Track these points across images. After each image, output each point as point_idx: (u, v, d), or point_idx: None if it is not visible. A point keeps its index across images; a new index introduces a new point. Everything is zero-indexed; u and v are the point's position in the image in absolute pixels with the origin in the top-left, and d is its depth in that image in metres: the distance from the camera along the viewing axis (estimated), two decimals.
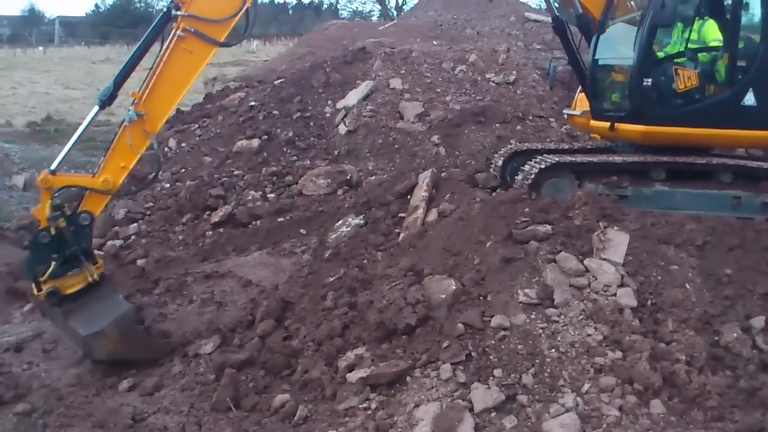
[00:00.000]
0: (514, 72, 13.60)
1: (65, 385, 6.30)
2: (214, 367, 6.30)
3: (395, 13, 47.89)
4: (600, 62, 8.81)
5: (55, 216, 6.53)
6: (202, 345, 6.73)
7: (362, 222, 8.93)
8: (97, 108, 7.11)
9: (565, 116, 10.24)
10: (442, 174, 9.77)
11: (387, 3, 51.32)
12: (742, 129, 8.02)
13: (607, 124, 8.45)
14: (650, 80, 8.00)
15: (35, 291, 6.64)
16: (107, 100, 7.06)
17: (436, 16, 21.12)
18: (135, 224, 10.27)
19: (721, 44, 8.10)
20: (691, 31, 8.23)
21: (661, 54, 8.37)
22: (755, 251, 6.55)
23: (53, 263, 6.50)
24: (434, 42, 16.96)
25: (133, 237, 10.01)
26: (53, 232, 6.53)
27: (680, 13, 8.35)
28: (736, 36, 8.01)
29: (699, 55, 8.21)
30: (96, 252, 9.38)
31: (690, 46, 8.22)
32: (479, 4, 21.72)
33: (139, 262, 9.20)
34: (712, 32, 8.18)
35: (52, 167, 6.71)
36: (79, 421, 5.62)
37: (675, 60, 8.14)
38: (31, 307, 8.07)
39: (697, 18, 8.29)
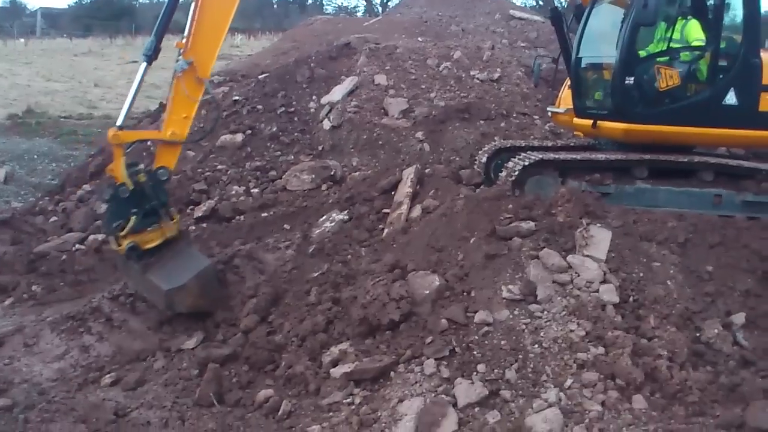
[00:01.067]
0: (498, 69, 13.62)
1: (47, 379, 6.24)
2: (197, 362, 6.29)
3: (380, 9, 47.87)
4: (583, 60, 8.86)
5: (136, 171, 6.92)
6: (185, 340, 6.71)
7: (346, 217, 8.92)
8: (144, 65, 7.27)
9: (549, 114, 10.29)
10: (426, 170, 9.77)
11: None
12: (723, 128, 8.12)
13: (590, 122, 8.51)
14: (632, 79, 8.06)
15: (115, 246, 6.96)
16: (153, 55, 7.21)
17: (421, 13, 21.10)
18: None
19: (703, 44, 8.17)
20: (674, 31, 8.28)
21: (643, 53, 8.43)
22: (736, 249, 6.63)
23: (133, 218, 6.82)
24: (419, 38, 16.92)
25: None
26: (131, 187, 6.82)
27: (663, 13, 8.40)
28: (717, 36, 8.11)
29: (681, 54, 8.29)
30: (78, 246, 9.50)
31: (672, 45, 8.29)
32: (464, 1, 21.71)
33: None
34: (694, 32, 8.26)
35: (118, 123, 7.00)
36: (61, 416, 5.58)
37: (657, 59, 8.21)
38: (12, 301, 8.03)
39: (680, 17, 8.35)
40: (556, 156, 8.24)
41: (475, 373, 5.19)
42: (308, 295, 6.80)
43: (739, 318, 5.90)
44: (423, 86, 12.93)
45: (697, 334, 5.74)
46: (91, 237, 9.73)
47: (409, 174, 9.22)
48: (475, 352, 5.35)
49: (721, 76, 8.12)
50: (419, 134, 11.52)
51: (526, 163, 7.99)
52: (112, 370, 6.40)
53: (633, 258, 6.25)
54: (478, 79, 13.37)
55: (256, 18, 66.65)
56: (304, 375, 5.73)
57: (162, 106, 14.77)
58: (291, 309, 6.72)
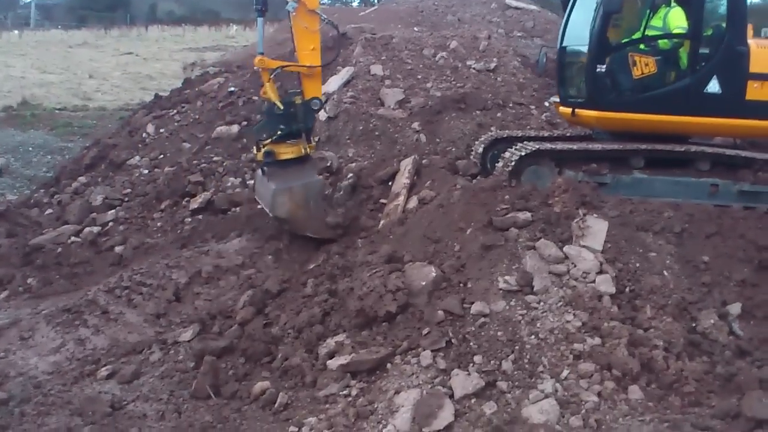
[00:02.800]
0: (494, 59, 13.57)
1: (43, 372, 6.23)
2: (193, 354, 6.27)
3: None
4: (566, 48, 8.85)
5: (294, 92, 8.01)
6: (181, 332, 6.70)
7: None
8: (260, 19, 8.42)
9: (550, 105, 10.27)
10: (423, 161, 9.75)
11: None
12: (704, 116, 8.11)
13: (571, 110, 8.60)
14: (603, 67, 8.10)
15: (255, 151, 8.09)
16: (262, 8, 8.16)
17: (417, 2, 20.98)
18: (113, 211, 10.15)
19: (682, 31, 8.14)
20: (649, 18, 8.25)
21: (616, 41, 8.39)
22: (732, 238, 6.63)
23: (279, 132, 7.82)
24: (415, 28, 16.87)
25: (110, 223, 9.89)
26: (282, 107, 7.83)
27: (634, 0, 8.40)
28: (697, 23, 8.08)
29: (659, 42, 8.30)
30: (74, 238, 9.48)
31: (652, 33, 8.27)
32: None
33: (117, 249, 9.11)
34: (676, 19, 8.21)
35: (259, 50, 8.17)
36: (57, 409, 5.57)
37: (631, 47, 8.22)
38: (7, 294, 8.01)
39: (663, 5, 8.33)
40: (553, 146, 8.23)
41: (471, 364, 5.19)
42: (305, 287, 6.79)
43: (735, 308, 5.90)
44: (419, 76, 12.88)
45: (693, 325, 5.74)
46: (87, 229, 9.70)
47: (407, 165, 9.20)
48: (471, 344, 5.35)
49: (702, 64, 8.11)
50: (415, 125, 11.48)
51: (523, 154, 7.98)
52: (107, 363, 6.38)
53: (629, 248, 6.24)
54: (474, 69, 13.32)
55: (251, 9, 66.45)
56: (300, 367, 5.72)
57: (157, 97, 14.78)
58: (287, 301, 6.71)
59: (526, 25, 17.95)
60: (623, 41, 8.37)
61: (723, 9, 8.23)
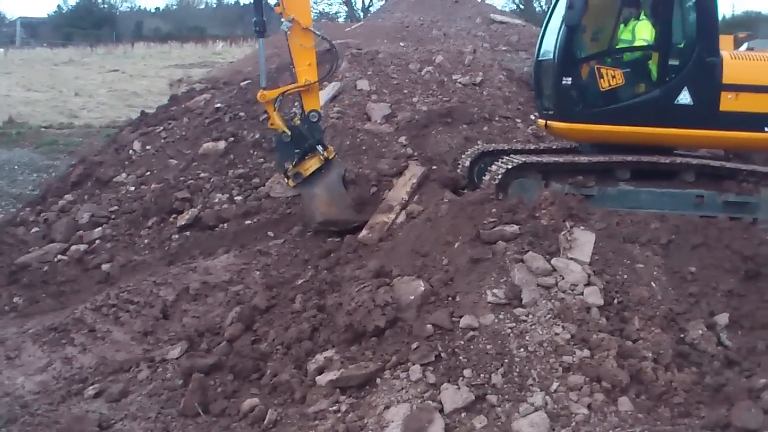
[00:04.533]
0: (480, 73, 13.65)
1: (29, 392, 6.18)
2: (181, 372, 6.23)
3: (362, 14, 47.84)
4: (540, 61, 8.93)
5: (291, 116, 8.62)
6: (169, 350, 6.66)
7: None
8: (261, 40, 8.96)
9: (535, 117, 10.34)
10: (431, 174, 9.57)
11: (353, 4, 51.28)
12: (676, 128, 8.17)
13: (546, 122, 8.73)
14: (569, 79, 8.20)
15: (287, 181, 8.81)
16: (261, 30, 8.70)
17: (402, 18, 21.09)
18: (99, 228, 10.11)
19: (648, 43, 8.23)
20: (616, 32, 8.41)
21: (582, 53, 8.49)
22: (718, 249, 6.66)
23: (296, 156, 8.47)
24: (401, 43, 16.94)
25: (97, 241, 9.85)
26: (290, 133, 8.45)
27: (599, 13, 8.55)
28: (665, 35, 8.17)
29: (624, 54, 8.42)
30: (60, 257, 9.43)
31: (621, 45, 8.42)
32: (445, 6, 21.73)
33: (104, 266, 9.07)
34: (643, 32, 8.31)
35: (262, 84, 8.75)
36: (44, 429, 5.52)
37: (599, 59, 8.32)
38: None
39: (633, 18, 8.43)
40: (539, 159, 8.27)
41: (461, 378, 5.18)
42: (293, 303, 6.77)
43: (722, 318, 5.92)
44: (405, 91, 12.93)
45: (682, 335, 5.76)
46: (73, 247, 9.65)
47: (411, 176, 9.00)
48: (461, 357, 5.34)
49: (672, 76, 8.16)
50: (402, 139, 11.50)
51: (509, 167, 8.01)
52: (95, 382, 6.34)
53: (617, 260, 6.27)
54: (460, 83, 13.39)
55: (237, 25, 66.48)
56: (289, 383, 5.69)
57: (143, 114, 14.75)
58: (276, 317, 6.69)
59: (511, 39, 18.06)
60: (589, 54, 8.51)
61: (693, 20, 8.29)
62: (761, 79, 8.19)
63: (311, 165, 8.59)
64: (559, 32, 8.25)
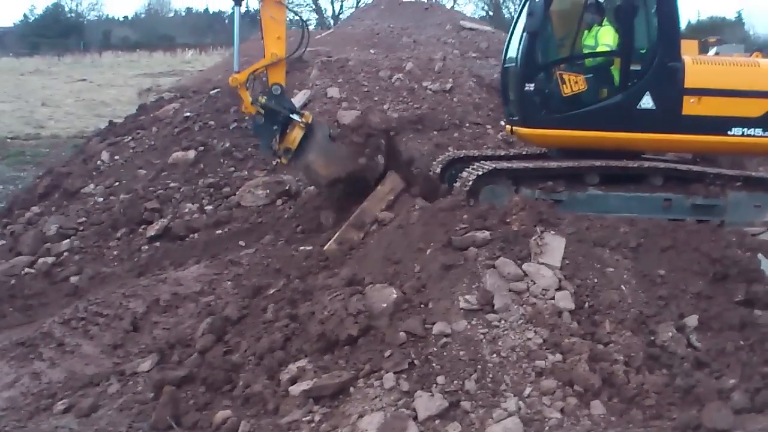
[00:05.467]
0: (450, 80, 13.71)
1: None
2: (152, 385, 6.14)
3: (332, 21, 47.86)
4: (506, 68, 9.02)
5: (255, 99, 8.46)
6: (139, 363, 6.57)
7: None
8: (236, 8, 8.80)
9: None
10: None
11: (324, 11, 51.32)
12: (638, 132, 8.29)
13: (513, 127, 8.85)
14: (532, 85, 8.32)
15: (280, 160, 9.16)
16: None
17: (372, 25, 21.13)
18: (67, 240, 9.99)
19: (610, 49, 8.35)
20: (579, 37, 8.53)
21: (545, 59, 8.61)
22: (687, 252, 6.72)
23: (277, 134, 8.56)
24: (371, 50, 16.96)
25: (65, 253, 9.73)
26: (263, 112, 8.48)
27: (564, 19, 8.64)
28: (626, 40, 8.28)
29: (588, 59, 8.56)
30: (27, 270, 9.29)
31: (583, 51, 8.56)
32: (415, 13, 21.83)
33: (73, 279, 8.96)
34: (605, 37, 8.41)
35: (235, 68, 8.63)
36: None
37: (560, 65, 8.46)
38: None
39: (596, 24, 8.55)
40: (509, 165, 8.31)
41: (434, 385, 5.18)
42: (265, 313, 6.71)
43: (692, 320, 5.97)
44: (376, 98, 12.96)
45: (652, 338, 5.79)
46: (41, 260, 9.52)
47: (392, 189, 8.59)
48: (434, 364, 5.34)
49: (634, 80, 8.27)
50: None
51: (480, 173, 8.04)
52: (64, 397, 6.23)
53: (587, 264, 6.30)
54: (430, 89, 13.44)
55: (207, 33, 66.18)
56: (262, 394, 5.63)
57: (111, 124, 14.62)
58: (248, 327, 6.63)
59: (481, 45, 18.18)
60: (552, 60, 8.62)
61: (655, 26, 8.40)
62: (724, 83, 8.30)
63: (295, 135, 8.61)
64: (521, 39, 8.35)
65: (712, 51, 10.16)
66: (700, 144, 8.49)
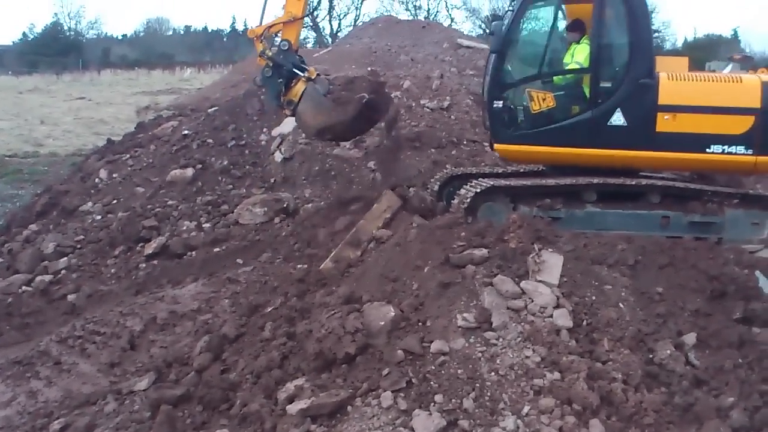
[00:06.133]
0: (447, 98, 13.77)
1: None
2: (149, 403, 6.11)
3: (330, 39, 48.11)
4: (483, 85, 9.19)
5: (263, 51, 9.10)
6: (136, 381, 6.55)
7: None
8: None
9: None
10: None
11: (322, 30, 51.62)
12: (609, 149, 8.29)
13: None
14: (500, 103, 8.50)
15: (284, 112, 9.65)
16: None
17: (370, 43, 21.23)
18: (65, 258, 9.98)
19: (580, 66, 8.43)
20: (547, 54, 8.59)
21: (514, 77, 8.72)
22: (684, 269, 6.72)
23: (282, 87, 9.10)
24: (369, 68, 17.04)
25: (63, 271, 9.72)
26: (270, 65, 9.09)
27: (533, 37, 8.82)
28: (599, 57, 8.33)
29: (557, 77, 8.67)
30: (25, 288, 9.28)
31: (551, 68, 8.67)
32: (413, 31, 21.95)
33: (70, 297, 8.95)
34: (578, 54, 8.54)
35: (256, 24, 9.45)
36: None
37: (530, 83, 8.55)
38: None
39: (574, 43, 8.71)
40: (507, 182, 8.33)
41: (432, 403, 5.15)
42: (262, 331, 6.70)
43: (690, 338, 5.96)
44: None
45: (650, 356, 5.78)
46: (38, 278, 9.51)
47: (389, 207, 8.58)
48: (432, 383, 5.31)
49: (605, 97, 8.28)
50: (371, 164, 11.55)
51: (478, 191, 8.05)
52: (61, 416, 6.20)
53: (585, 282, 6.30)
54: (428, 107, 13.49)
55: (205, 51, 66.50)
56: (259, 413, 5.60)
57: (109, 142, 14.67)
58: (245, 345, 6.61)
59: (478, 63, 18.20)
60: (519, 78, 8.72)
61: (626, 43, 8.40)
62: (702, 100, 8.20)
63: (298, 89, 9.09)
64: (487, 58, 8.62)
65: (728, 68, 10.09)
66: (676, 161, 8.42)
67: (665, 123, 8.17)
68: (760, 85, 8.12)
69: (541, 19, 8.94)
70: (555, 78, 8.67)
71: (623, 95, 8.25)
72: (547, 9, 8.78)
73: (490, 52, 8.50)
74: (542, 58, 8.58)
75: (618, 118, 8.23)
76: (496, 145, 8.86)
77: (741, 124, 8.11)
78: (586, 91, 8.40)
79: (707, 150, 8.18)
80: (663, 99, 8.19)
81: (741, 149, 8.16)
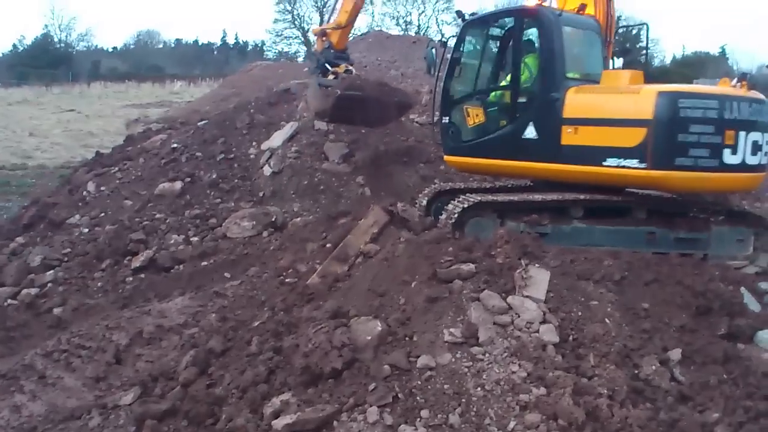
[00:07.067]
0: (437, 113, 13.81)
1: None
2: (134, 418, 6.09)
3: None
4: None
5: (312, 52, 12.23)
6: (121, 396, 6.51)
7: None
8: None
9: None
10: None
11: (313, 44, 51.85)
12: (523, 161, 8.58)
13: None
14: (447, 119, 9.33)
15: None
16: None
17: (360, 58, 21.32)
18: (51, 271, 9.93)
19: (504, 83, 9.00)
20: (480, 74, 9.41)
21: (456, 96, 9.47)
22: (670, 285, 6.77)
23: (318, 73, 12.52)
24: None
25: (49, 285, 9.67)
26: (314, 57, 12.99)
27: (469, 60, 9.43)
28: (515, 75, 8.78)
29: (484, 94, 9.29)
30: (10, 301, 9.22)
31: (480, 87, 9.35)
32: (402, 47, 22.14)
33: (56, 310, 8.90)
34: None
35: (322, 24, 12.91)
36: None
37: (467, 100, 9.29)
38: None
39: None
40: (494, 198, 8.36)
41: (418, 419, 5.15)
42: (249, 345, 6.68)
43: (675, 354, 5.99)
44: (363, 131, 13.03)
45: (636, 371, 5.80)
46: (24, 291, 9.46)
47: (376, 222, 8.51)
48: (418, 398, 5.31)
49: (521, 112, 8.64)
50: (360, 178, 11.57)
51: (465, 206, 8.08)
52: (45, 430, 6.16)
53: (571, 297, 6.32)
54: (417, 122, 13.55)
55: (196, 64, 66.52)
56: (245, 428, 5.57)
57: (98, 154, 14.64)
58: (231, 360, 6.59)
59: None
60: (459, 96, 9.46)
61: (537, 60, 8.72)
62: (599, 112, 8.12)
63: (331, 73, 12.11)
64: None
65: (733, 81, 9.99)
66: (577, 174, 8.25)
67: (568, 136, 8.21)
68: (655, 96, 7.70)
69: (475, 43, 9.59)
70: (484, 95, 9.29)
71: (535, 110, 8.54)
72: (480, 33, 9.57)
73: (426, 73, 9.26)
74: (476, 78, 9.35)
75: (530, 132, 8.48)
76: (445, 156, 9.85)
77: (634, 137, 7.78)
78: (506, 106, 8.89)
79: (603, 163, 7.97)
80: (567, 112, 8.27)
81: (634, 162, 7.79)
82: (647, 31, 11.24)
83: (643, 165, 7.72)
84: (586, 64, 9.12)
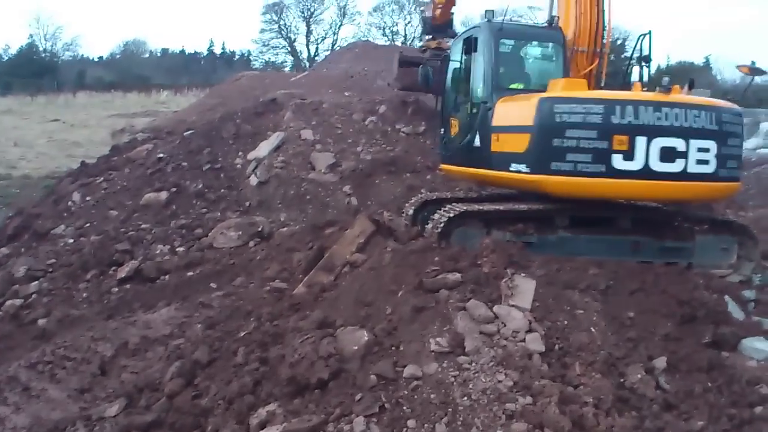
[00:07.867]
0: (423, 123, 13.88)
1: None
2: (119, 430, 6.05)
3: (308, 63, 48.31)
4: None
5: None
6: (106, 408, 6.46)
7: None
8: None
9: None
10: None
11: (299, 54, 51.85)
12: (476, 168, 8.90)
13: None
14: (442, 129, 10.09)
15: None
16: None
17: (347, 68, 21.40)
18: (36, 282, 9.87)
19: (466, 96, 9.35)
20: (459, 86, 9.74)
21: (447, 108, 10.01)
22: (655, 294, 6.80)
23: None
24: (345, 93, 17.14)
25: (34, 295, 9.61)
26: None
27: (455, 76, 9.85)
28: (471, 86, 9.19)
29: (459, 106, 9.65)
30: None
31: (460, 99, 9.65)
32: (389, 56, 22.13)
33: (40, 321, 8.83)
34: None
35: None
36: None
37: (453, 112, 9.76)
38: None
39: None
40: (480, 207, 8.38)
41: (405, 428, 5.14)
42: (235, 356, 6.65)
43: (660, 362, 6.02)
44: (349, 140, 13.07)
45: (621, 380, 5.82)
46: (8, 302, 9.39)
47: (362, 231, 8.52)
48: (405, 408, 5.30)
49: (472, 121, 8.97)
50: (346, 188, 11.59)
51: (451, 215, 8.09)
52: None
53: (557, 306, 6.34)
54: (403, 132, 13.59)
55: (182, 74, 66.33)
56: None
57: (83, 164, 14.58)
58: (217, 371, 6.56)
59: None
60: (448, 109, 10.04)
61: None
62: (506, 120, 8.37)
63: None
64: None
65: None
66: (497, 179, 8.68)
67: (495, 143, 8.47)
68: (536, 103, 7.73)
69: (457, 58, 9.83)
70: (459, 107, 9.61)
71: (478, 119, 8.83)
72: (458, 49, 9.84)
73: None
74: (456, 91, 9.72)
75: (477, 140, 8.82)
76: (441, 165, 10.30)
77: (523, 142, 7.89)
78: (468, 117, 9.17)
79: (510, 168, 8.08)
80: (494, 121, 8.53)
81: (523, 167, 7.86)
82: (650, 39, 11.09)
83: (528, 170, 7.78)
84: (539, 75, 9.19)
